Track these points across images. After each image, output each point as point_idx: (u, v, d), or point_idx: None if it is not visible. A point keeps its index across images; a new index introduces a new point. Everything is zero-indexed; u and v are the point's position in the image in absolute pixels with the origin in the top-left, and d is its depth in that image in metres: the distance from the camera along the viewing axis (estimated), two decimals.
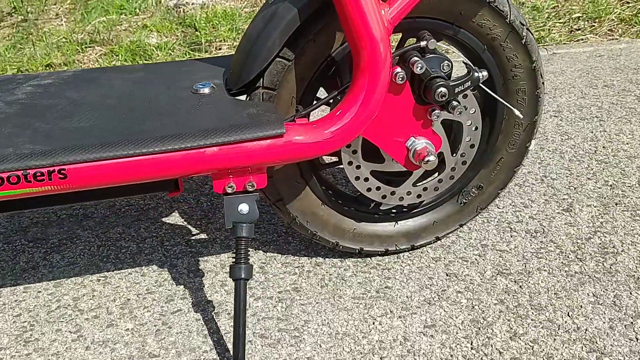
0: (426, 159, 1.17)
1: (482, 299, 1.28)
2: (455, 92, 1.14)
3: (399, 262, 1.41)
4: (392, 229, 1.40)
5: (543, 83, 1.31)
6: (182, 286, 1.35)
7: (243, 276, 1.10)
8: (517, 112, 1.24)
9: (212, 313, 1.27)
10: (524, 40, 1.24)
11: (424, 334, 1.20)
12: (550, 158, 1.85)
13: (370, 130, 1.17)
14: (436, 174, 1.33)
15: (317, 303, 1.29)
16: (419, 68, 1.11)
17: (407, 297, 1.30)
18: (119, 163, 0.98)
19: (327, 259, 1.43)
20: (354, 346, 1.18)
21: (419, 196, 1.32)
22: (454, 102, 1.17)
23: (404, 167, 1.23)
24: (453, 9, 1.19)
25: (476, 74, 1.16)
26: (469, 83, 1.15)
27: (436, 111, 1.17)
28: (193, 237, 1.52)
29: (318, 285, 1.34)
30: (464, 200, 1.41)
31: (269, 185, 1.26)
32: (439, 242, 1.47)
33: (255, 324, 1.24)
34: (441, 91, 1.13)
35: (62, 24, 3.97)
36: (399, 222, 1.40)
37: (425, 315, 1.25)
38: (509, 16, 1.21)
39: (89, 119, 1.08)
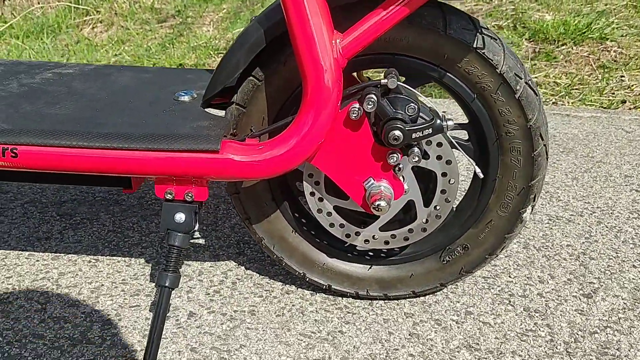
0: (376, 202, 1.11)
1: None
2: (412, 137, 1.07)
3: (367, 309, 1.34)
4: (364, 272, 1.33)
5: (545, 145, 1.17)
6: (153, 284, 1.40)
7: (167, 284, 1.11)
8: (477, 170, 1.12)
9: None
10: (517, 95, 1.12)
11: None
12: (603, 235, 1.65)
13: (325, 163, 1.13)
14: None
15: (263, 331, 1.27)
16: (370, 106, 1.05)
17: (353, 347, 1.23)
18: (60, 151, 1.05)
19: (299, 289, 1.39)
20: None
21: (386, 242, 1.25)
22: (415, 148, 1.09)
23: (361, 207, 1.17)
24: (437, 50, 1.11)
25: (439, 122, 1.07)
26: (429, 130, 1.07)
27: (394, 155, 1.10)
28: (192, 240, 1.57)
29: (275, 313, 1.32)
30: (447, 259, 1.30)
31: (237, 201, 1.27)
32: (420, 298, 1.37)
33: (194, 336, 1.24)
34: (394, 134, 1.06)
35: (209, 30, 4.30)
36: (373, 266, 1.33)
37: None
38: (500, 66, 1.11)
39: (68, 108, 1.17)
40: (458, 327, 1.29)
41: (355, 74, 1.24)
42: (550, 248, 1.59)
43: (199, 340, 1.23)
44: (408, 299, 1.37)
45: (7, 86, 1.28)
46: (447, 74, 1.13)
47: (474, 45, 1.10)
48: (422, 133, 1.07)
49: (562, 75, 3.12)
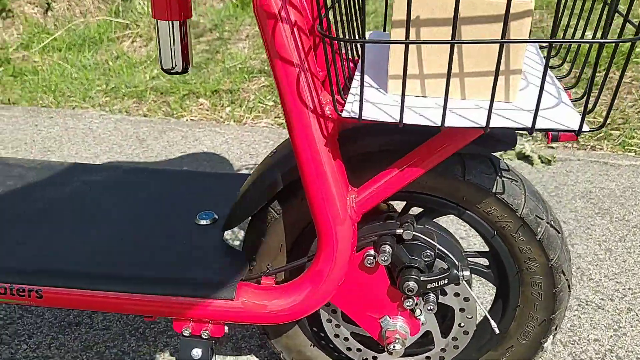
0: (392, 345, 1.11)
1: None
2: (427, 287, 1.06)
3: None
4: None
5: (567, 280, 1.15)
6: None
7: None
8: (493, 324, 1.11)
9: None
10: (538, 237, 1.10)
11: None
12: (632, 326, 1.61)
13: (342, 301, 1.14)
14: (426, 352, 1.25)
15: None
16: (384, 259, 1.05)
17: None
18: (82, 293, 1.09)
19: None
20: None
21: None
22: (431, 295, 1.09)
23: (379, 341, 1.17)
24: (455, 193, 1.10)
25: (455, 272, 1.06)
26: (445, 281, 1.06)
27: (410, 300, 1.10)
28: None
29: None
30: None
31: None
32: None
33: None
34: (408, 285, 1.05)
35: (245, 48, 4.30)
36: None
37: None
38: (520, 209, 1.09)
39: (91, 237, 1.20)
40: None
41: None
42: (577, 343, 1.57)
43: None
44: None
45: (35, 202, 1.32)
46: (467, 211, 1.12)
47: (493, 190, 1.08)
48: (438, 284, 1.06)
49: (601, 106, 3.02)
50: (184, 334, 1.13)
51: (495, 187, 1.08)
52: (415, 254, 1.07)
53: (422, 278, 1.05)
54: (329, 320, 1.22)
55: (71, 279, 1.10)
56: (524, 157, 2.59)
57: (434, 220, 1.20)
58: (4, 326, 1.60)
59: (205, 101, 3.40)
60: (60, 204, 1.31)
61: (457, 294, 1.14)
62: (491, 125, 0.83)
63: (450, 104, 0.87)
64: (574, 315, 1.67)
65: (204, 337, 1.12)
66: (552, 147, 2.70)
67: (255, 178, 1.14)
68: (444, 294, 1.14)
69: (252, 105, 3.30)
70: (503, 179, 1.08)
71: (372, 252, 1.08)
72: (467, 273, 1.07)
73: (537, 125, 0.83)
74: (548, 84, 0.98)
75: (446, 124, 0.86)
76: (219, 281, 1.08)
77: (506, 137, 1.03)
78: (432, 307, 1.09)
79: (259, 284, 1.12)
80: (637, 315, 1.66)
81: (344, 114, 0.89)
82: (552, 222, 1.12)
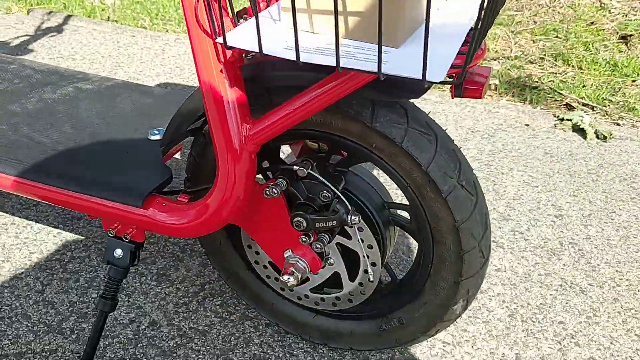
0: (287, 276, 1.14)
1: None
2: (316, 226, 1.07)
3: (309, 353, 1.39)
4: (309, 319, 1.38)
5: (480, 247, 1.12)
6: (140, 286, 1.57)
7: (103, 309, 1.26)
8: (370, 271, 1.10)
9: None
10: (444, 195, 1.07)
11: None
12: None
13: (250, 228, 1.18)
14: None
15: (202, 355, 1.38)
16: (274, 192, 1.08)
17: None
18: (28, 183, 1.22)
19: (257, 317, 1.48)
20: None
21: (316, 303, 1.28)
22: (323, 235, 1.10)
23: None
24: (366, 138, 1.09)
25: (344, 216, 1.06)
26: (333, 222, 1.07)
27: (305, 237, 1.12)
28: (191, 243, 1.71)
29: (222, 338, 1.42)
30: (385, 327, 1.30)
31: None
32: (364, 353, 1.40)
33: (144, 346, 1.40)
34: (297, 220, 1.07)
35: None
36: (318, 315, 1.37)
37: None
38: (425, 164, 1.06)
39: (56, 136, 1.34)
40: None
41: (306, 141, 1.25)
42: (539, 322, 1.51)
43: (145, 352, 1.38)
44: (352, 352, 1.40)
45: (28, 100, 1.47)
46: (381, 160, 1.10)
47: (399, 141, 1.05)
48: (326, 224, 1.07)
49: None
50: (109, 234, 1.24)
51: (402, 138, 1.05)
52: (312, 193, 1.09)
53: (310, 216, 1.07)
54: (249, 247, 1.27)
55: (20, 169, 1.23)
56: (579, 130, 2.42)
57: (355, 165, 1.19)
58: (21, 209, 1.81)
59: None
60: (29, 104, 1.45)
61: (361, 240, 1.14)
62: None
63: (346, 45, 0.86)
64: (549, 294, 1.59)
65: (124, 239, 1.22)
66: (618, 124, 2.50)
67: (190, 96, 1.19)
68: (349, 237, 1.15)
69: None
70: (413, 130, 1.05)
71: (271, 184, 1.10)
72: (355, 219, 1.07)
73: (385, 71, 0.80)
74: (452, 33, 0.93)
75: (341, 65, 0.85)
76: (132, 189, 1.16)
77: (411, 85, 1.00)
78: (319, 247, 1.10)
79: (172, 200, 1.19)
80: (621, 307, 1.56)
81: (228, 43, 0.91)
82: (463, 183, 1.08)
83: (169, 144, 1.26)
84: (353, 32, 0.91)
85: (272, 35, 0.90)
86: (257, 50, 0.86)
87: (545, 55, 2.92)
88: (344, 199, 1.08)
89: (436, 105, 2.54)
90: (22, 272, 1.59)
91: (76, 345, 1.39)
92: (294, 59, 0.84)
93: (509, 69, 2.81)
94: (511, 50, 3.02)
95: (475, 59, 0.95)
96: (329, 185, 1.08)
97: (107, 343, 1.40)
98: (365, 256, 1.15)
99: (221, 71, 1.00)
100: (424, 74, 0.78)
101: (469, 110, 2.52)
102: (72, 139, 1.32)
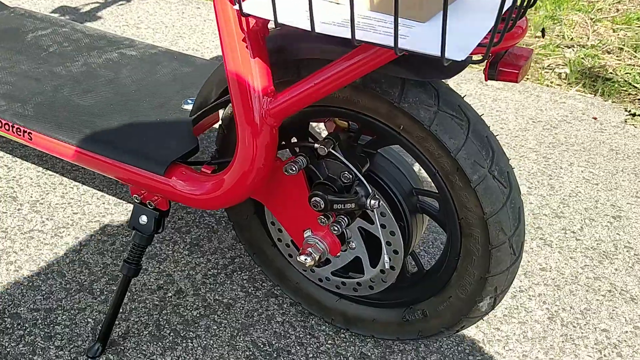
0: (304, 256, 1.11)
1: None
2: (333, 208, 1.03)
3: (329, 336, 1.36)
4: (332, 303, 1.35)
5: (510, 242, 1.05)
6: (171, 252, 1.58)
7: (127, 273, 1.27)
8: (385, 259, 1.04)
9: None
10: (473, 185, 1.01)
11: None
12: None
13: (272, 204, 1.16)
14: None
15: (224, 328, 1.38)
16: (292, 169, 1.04)
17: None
18: (62, 145, 1.24)
19: (282, 296, 1.46)
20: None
21: (337, 287, 1.25)
22: (341, 217, 1.06)
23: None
24: (393, 119, 1.03)
25: (363, 200, 1.01)
26: (352, 205, 1.02)
27: (323, 218, 1.08)
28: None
29: (245, 313, 1.41)
30: (408, 318, 1.25)
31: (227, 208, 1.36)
32: (387, 342, 1.35)
33: (168, 313, 1.41)
34: (315, 200, 1.04)
35: None
36: (341, 300, 1.33)
37: None
38: (455, 151, 0.99)
39: (93, 100, 1.35)
40: None
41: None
42: (580, 328, 1.42)
43: (168, 319, 1.39)
44: (374, 339, 1.36)
45: (73, 63, 1.49)
46: (409, 143, 1.05)
47: (427, 124, 0.99)
48: (344, 206, 1.03)
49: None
50: (135, 200, 1.24)
51: (431, 121, 0.99)
52: (333, 173, 1.04)
53: (328, 197, 1.03)
54: (272, 223, 1.25)
55: (56, 131, 1.25)
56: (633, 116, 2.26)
57: (386, 148, 1.14)
58: (70, 170, 1.86)
59: None
60: (73, 68, 1.47)
61: (383, 226, 1.09)
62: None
63: (369, 17, 0.81)
64: (596, 299, 1.49)
65: (149, 206, 1.22)
66: None
67: (219, 66, 1.17)
68: (371, 222, 1.10)
69: None
70: (443, 114, 0.99)
71: (290, 161, 1.07)
72: (374, 203, 1.01)
73: (401, 45, 0.75)
74: (484, 10, 0.85)
75: (357, 38, 0.81)
76: (156, 156, 1.16)
77: (438, 64, 0.93)
78: (336, 229, 1.06)
79: (195, 171, 1.18)
80: None
81: (244, 10, 0.87)
82: (495, 173, 1.00)
83: (200, 115, 1.24)
84: (379, 3, 0.85)
85: (289, 4, 0.86)
86: (271, 18, 0.82)
87: (624, 45, 2.73)
88: (364, 181, 1.03)
89: (498, 92, 2.43)
90: (63, 232, 1.63)
91: (104, 306, 1.41)
92: (309, 29, 0.79)
93: (582, 58, 2.64)
94: (588, 38, 2.84)
95: (513, 38, 0.87)
96: (350, 166, 1.03)
97: (133, 307, 1.42)
98: (387, 243, 1.10)
99: (243, 40, 0.96)
100: (442, 51, 0.72)
101: (533, 100, 2.39)
102: (107, 104, 1.33)
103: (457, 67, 0.92)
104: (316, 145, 1.04)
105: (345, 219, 1.07)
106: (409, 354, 1.33)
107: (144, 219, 1.24)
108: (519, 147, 2.10)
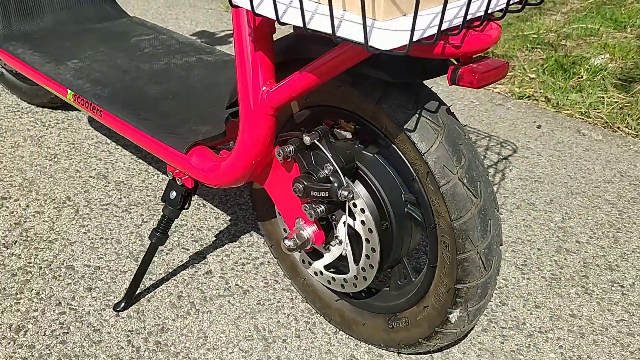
0: (287, 240, 1.19)
1: None
2: (311, 194, 1.11)
3: (326, 333, 1.42)
4: (332, 302, 1.40)
5: (478, 253, 1.05)
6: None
7: (154, 241, 1.43)
8: (364, 255, 1.08)
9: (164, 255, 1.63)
10: (441, 190, 1.04)
11: None
12: None
13: (271, 192, 1.26)
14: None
15: (235, 310, 1.48)
16: (278, 153, 1.13)
17: (277, 358, 1.36)
18: (122, 123, 1.45)
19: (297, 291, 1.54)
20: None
21: (328, 282, 1.30)
22: (319, 205, 1.13)
23: None
24: (377, 119, 1.10)
25: (337, 190, 1.08)
26: (325, 193, 1.09)
27: (306, 205, 1.16)
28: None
29: (258, 300, 1.51)
30: (392, 325, 1.28)
31: (251, 195, 1.48)
32: (374, 348, 1.38)
33: (192, 289, 1.55)
34: (296, 185, 1.12)
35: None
36: (341, 300, 1.39)
37: None
38: (425, 154, 1.03)
39: (158, 90, 1.56)
40: None
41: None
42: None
43: (190, 293, 1.53)
44: (370, 344, 1.39)
45: (157, 62, 1.73)
46: (391, 144, 1.10)
47: (405, 126, 1.05)
48: (319, 194, 1.10)
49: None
50: (169, 176, 1.41)
51: (407, 123, 1.04)
52: (318, 164, 1.12)
53: (307, 184, 1.11)
54: (280, 213, 1.34)
55: (119, 110, 1.47)
56: None
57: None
58: (148, 153, 2.10)
59: None
60: (155, 65, 1.69)
61: (363, 222, 1.15)
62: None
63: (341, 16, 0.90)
64: (621, 354, 1.39)
65: (178, 183, 1.38)
66: None
67: None
68: (353, 218, 1.16)
69: None
70: (419, 117, 1.04)
71: (279, 149, 1.16)
72: (345, 194, 1.08)
73: (339, 34, 0.83)
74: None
75: (337, 34, 0.90)
76: (184, 137, 1.32)
77: (430, 67, 0.99)
78: (312, 214, 1.13)
79: (212, 153, 1.31)
80: None
81: (234, 2, 0.99)
82: (465, 181, 1.03)
83: (232, 105, 1.39)
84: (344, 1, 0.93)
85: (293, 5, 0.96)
86: (249, 7, 0.94)
87: None
88: (340, 172, 1.10)
89: (594, 143, 2.33)
90: (133, 209, 1.85)
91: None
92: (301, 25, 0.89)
93: None
94: None
95: (482, 42, 0.90)
96: (329, 157, 1.11)
97: (166, 277, 1.58)
98: (366, 240, 1.15)
99: (249, 34, 1.09)
100: (365, 39, 0.79)
101: (631, 154, 2.26)
102: (168, 94, 1.53)
103: (430, 71, 0.98)
104: (304, 135, 1.13)
105: (323, 207, 1.14)
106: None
107: (173, 194, 1.39)
108: (595, 197, 2.00)
